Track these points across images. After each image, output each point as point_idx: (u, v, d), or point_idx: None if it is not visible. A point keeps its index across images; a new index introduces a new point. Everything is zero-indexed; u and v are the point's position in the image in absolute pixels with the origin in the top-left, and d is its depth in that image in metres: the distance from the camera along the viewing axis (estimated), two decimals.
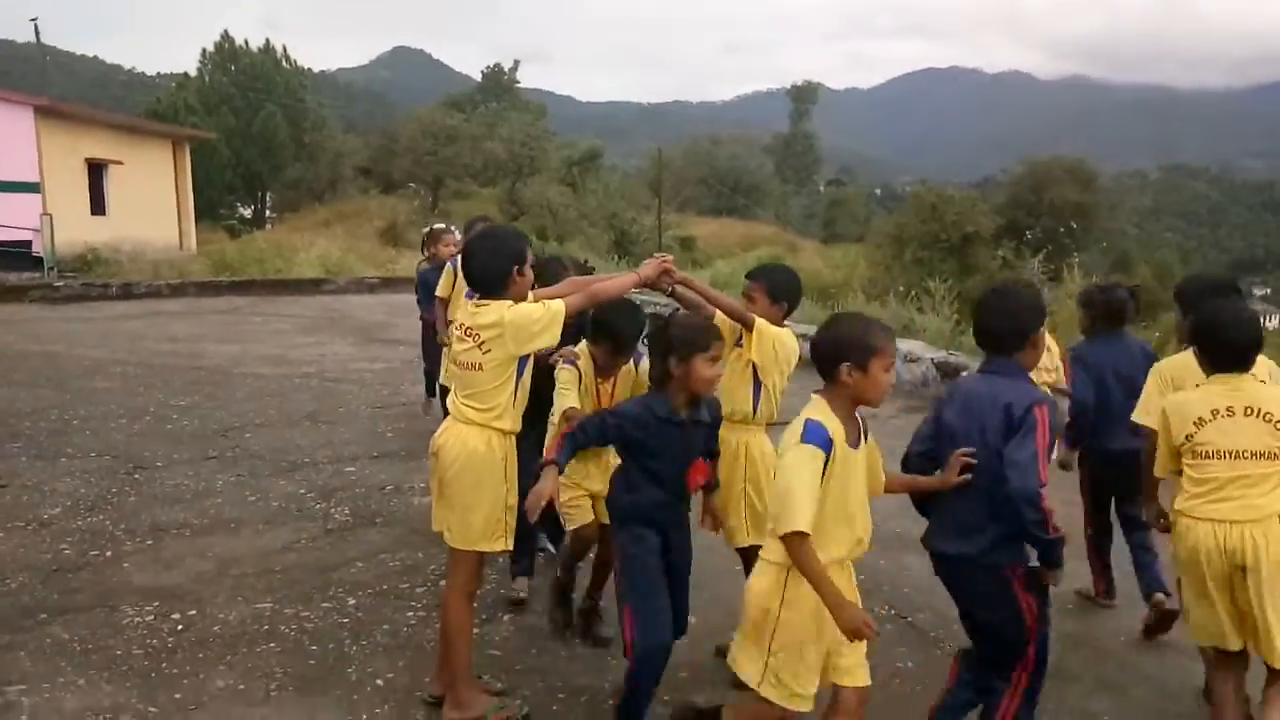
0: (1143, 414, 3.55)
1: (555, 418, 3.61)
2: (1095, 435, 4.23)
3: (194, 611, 4.12)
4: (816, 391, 2.71)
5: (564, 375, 3.64)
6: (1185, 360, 3.41)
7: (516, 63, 59.15)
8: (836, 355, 2.64)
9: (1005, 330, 2.90)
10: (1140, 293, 4.61)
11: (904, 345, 9.93)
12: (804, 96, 76.83)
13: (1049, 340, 3.94)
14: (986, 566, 2.84)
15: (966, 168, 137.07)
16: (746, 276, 3.77)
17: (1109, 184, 60.80)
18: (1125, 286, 4.46)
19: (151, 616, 4.06)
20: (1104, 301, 4.29)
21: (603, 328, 3.62)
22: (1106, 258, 39.89)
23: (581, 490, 3.82)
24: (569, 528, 3.87)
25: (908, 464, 3.10)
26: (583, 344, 3.75)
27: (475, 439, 3.11)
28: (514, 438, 3.21)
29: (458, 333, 3.17)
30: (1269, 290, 66.16)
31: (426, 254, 7.36)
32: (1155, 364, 3.77)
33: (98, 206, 24.61)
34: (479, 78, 59.82)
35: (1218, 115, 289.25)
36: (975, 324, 3.04)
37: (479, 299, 3.13)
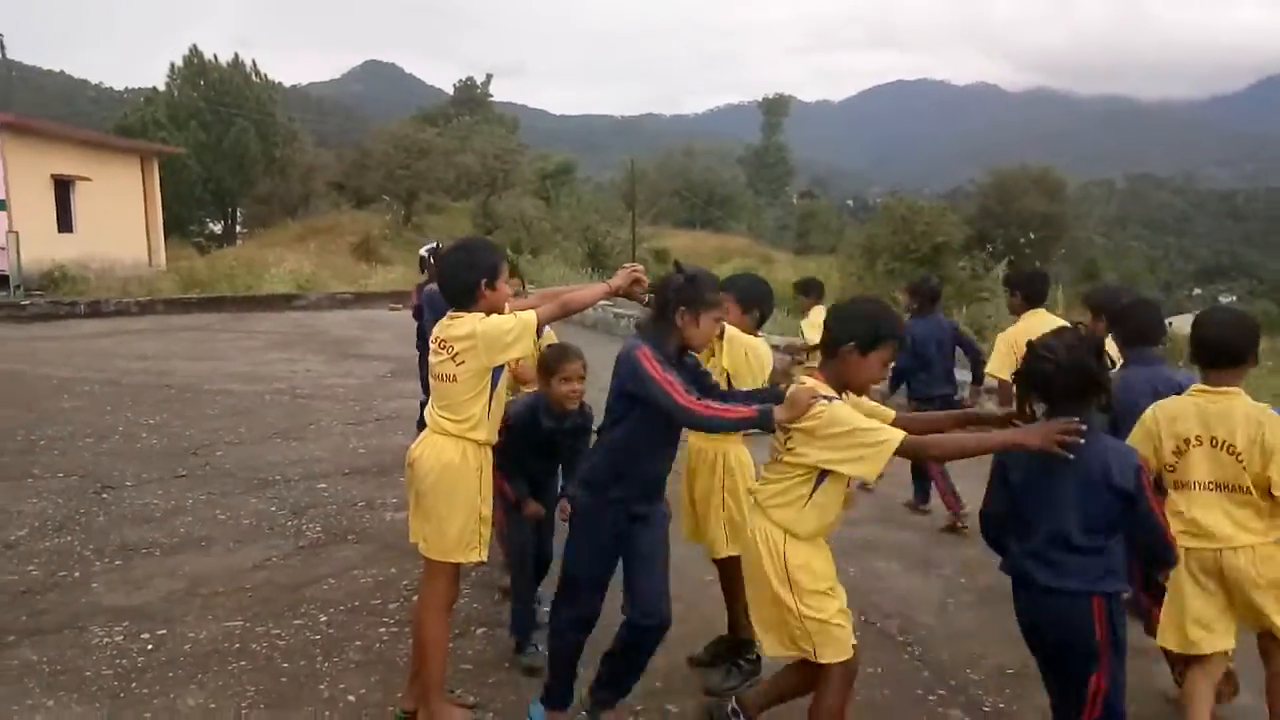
0: (993, 368, 5.43)
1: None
2: (923, 385, 5.96)
3: (164, 631, 4.09)
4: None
5: None
6: (1024, 327, 4.99)
7: (489, 76, 59.21)
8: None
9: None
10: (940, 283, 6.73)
11: None
12: (776, 109, 77.48)
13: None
14: None
15: (936, 178, 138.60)
16: (718, 287, 3.82)
17: (1076, 193, 61.68)
18: (936, 278, 6.75)
19: (121, 636, 4.03)
20: (927, 289, 6.23)
21: None
22: (1073, 266, 40.43)
23: None
24: None
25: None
26: None
27: (451, 450, 3.14)
28: (489, 449, 3.23)
29: (433, 345, 3.20)
30: (1235, 297, 67.29)
31: (427, 274, 7.00)
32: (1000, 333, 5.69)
33: (65, 224, 24.29)
34: (451, 92, 59.82)
35: (1181, 126, 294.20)
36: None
37: (453, 312, 3.17)
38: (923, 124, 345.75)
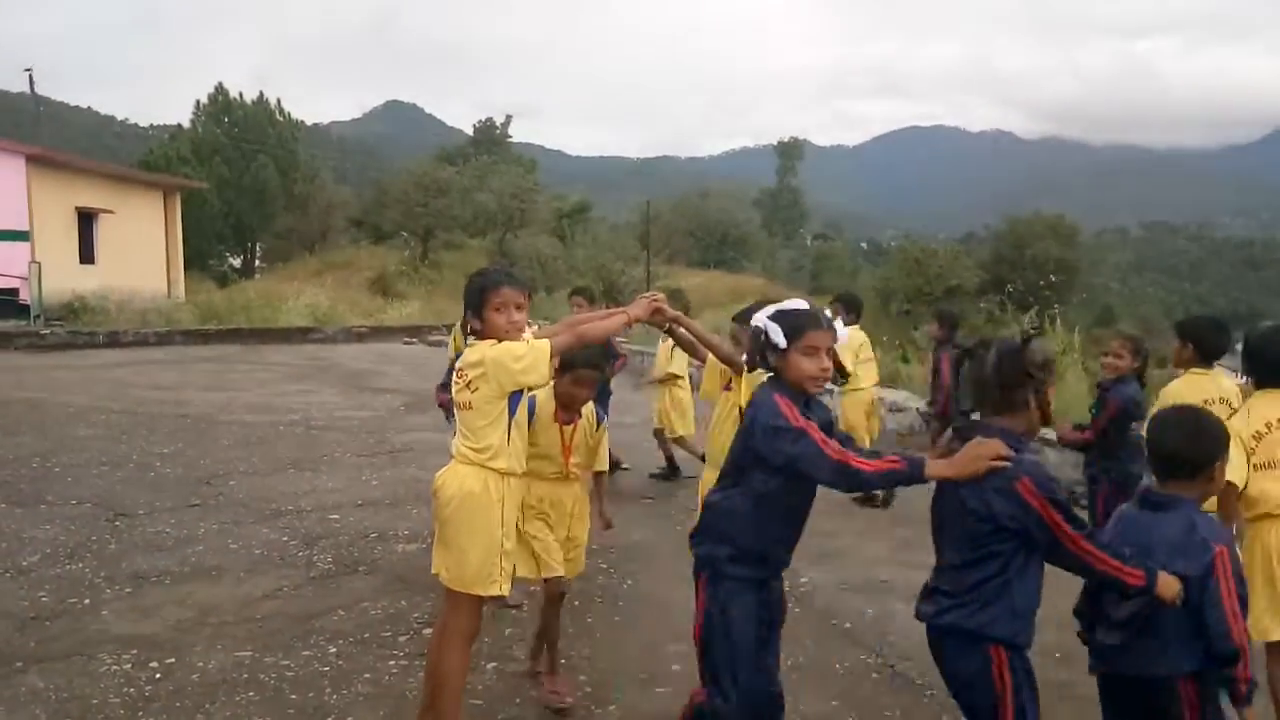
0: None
1: None
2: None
3: (172, 660, 4.06)
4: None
5: None
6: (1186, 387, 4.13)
7: (509, 117, 59.99)
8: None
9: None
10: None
11: (891, 395, 9.99)
12: (790, 153, 78.03)
13: None
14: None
15: (950, 223, 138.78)
16: (733, 319, 3.81)
17: (1090, 240, 61.59)
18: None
19: (129, 665, 4.00)
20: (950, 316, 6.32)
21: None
22: (1090, 311, 40.28)
23: (553, 536, 3.72)
24: (542, 573, 3.69)
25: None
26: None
27: (472, 479, 3.11)
28: (512, 480, 3.18)
29: (455, 374, 3.22)
30: None
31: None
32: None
33: (87, 255, 24.63)
34: (471, 131, 60.59)
35: (1194, 175, 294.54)
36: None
37: (473, 340, 3.18)
38: (937, 169, 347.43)
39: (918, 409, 9.34)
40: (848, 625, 4.68)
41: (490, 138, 57.24)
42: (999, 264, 38.13)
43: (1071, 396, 9.91)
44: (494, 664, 4.09)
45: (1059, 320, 17.22)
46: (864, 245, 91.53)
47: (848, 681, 4.06)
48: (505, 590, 3.21)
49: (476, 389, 3.09)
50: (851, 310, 7.24)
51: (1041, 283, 36.55)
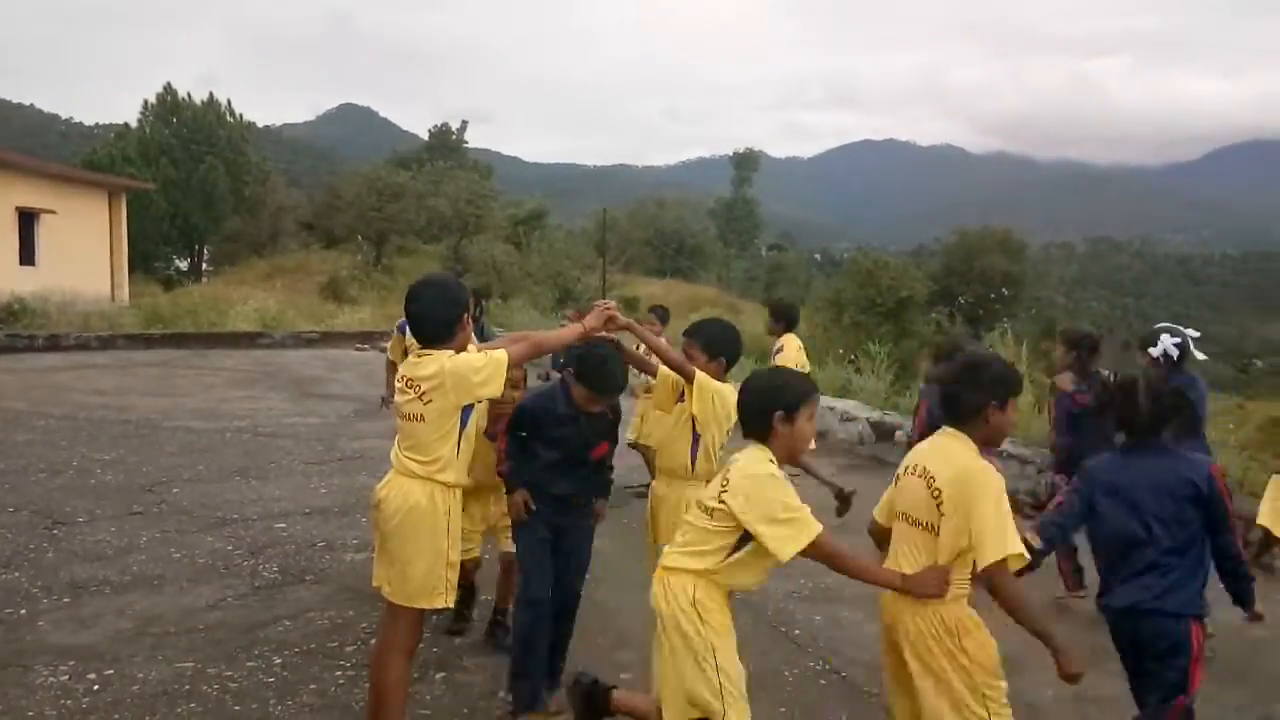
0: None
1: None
2: None
3: (111, 671, 3.97)
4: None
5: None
6: None
7: (465, 123, 59.42)
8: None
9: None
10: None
11: (841, 405, 10.12)
12: (746, 164, 78.56)
13: None
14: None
15: (902, 235, 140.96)
16: (684, 334, 3.83)
17: (1037, 254, 62.83)
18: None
19: (66, 676, 3.91)
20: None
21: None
22: (1036, 324, 41.18)
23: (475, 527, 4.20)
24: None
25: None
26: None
27: (418, 492, 3.07)
28: (458, 492, 3.17)
29: (399, 384, 3.16)
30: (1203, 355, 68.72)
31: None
32: None
33: (27, 256, 23.93)
34: (426, 136, 60.08)
35: (1137, 192, 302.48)
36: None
37: (420, 349, 3.14)
38: (889, 182, 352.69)
39: (868, 418, 9.46)
40: (797, 633, 4.73)
41: (446, 143, 56.81)
42: (949, 276, 38.78)
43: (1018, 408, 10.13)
44: (442, 674, 4.07)
45: (1008, 333, 17.60)
46: (817, 256, 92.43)
47: (796, 688, 4.10)
48: (449, 602, 3.19)
49: (430, 401, 3.04)
50: (781, 319, 7.42)
51: (991, 295, 37.33)
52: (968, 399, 2.75)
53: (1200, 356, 4.98)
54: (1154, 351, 4.92)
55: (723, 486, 2.71)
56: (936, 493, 2.68)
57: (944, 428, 2.82)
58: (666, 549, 2.87)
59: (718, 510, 2.70)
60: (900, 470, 2.89)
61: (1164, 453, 3.04)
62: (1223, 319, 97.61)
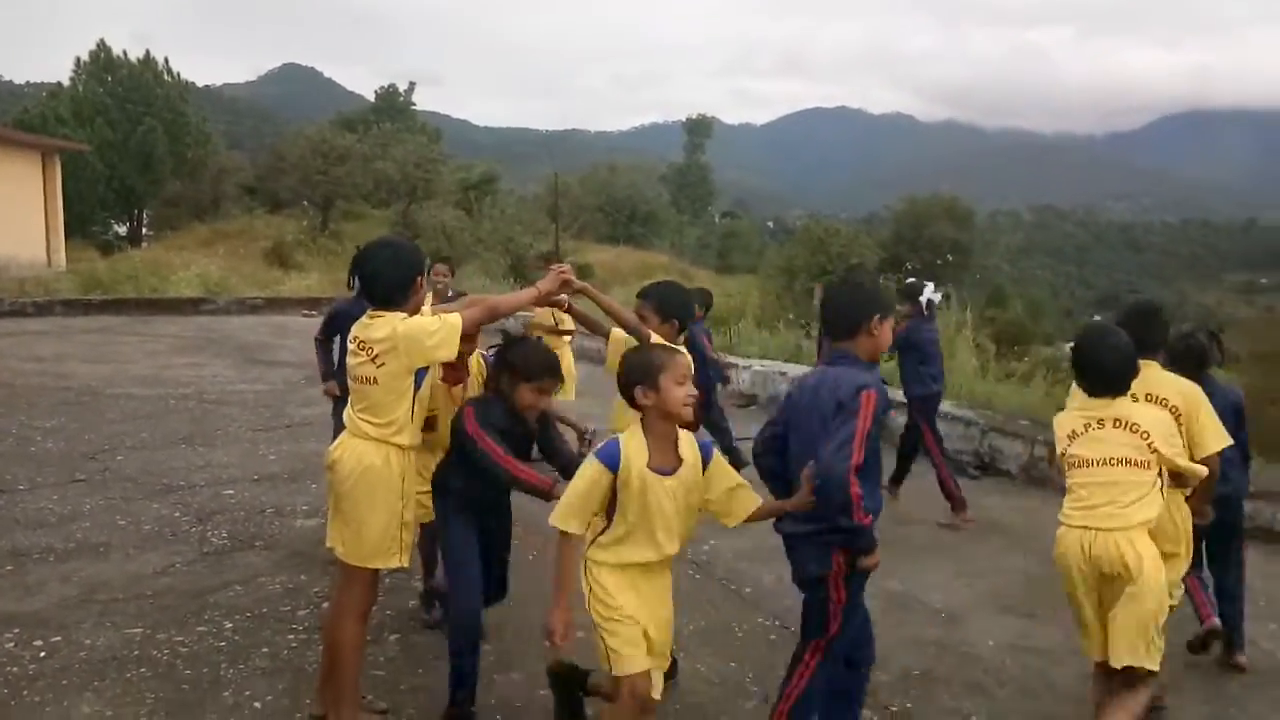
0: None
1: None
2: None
3: (58, 638, 3.92)
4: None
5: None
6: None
7: (412, 84, 58.24)
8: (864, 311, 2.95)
9: (842, 317, 2.99)
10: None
11: (793, 369, 10.26)
12: (699, 130, 78.28)
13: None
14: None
15: (854, 202, 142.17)
16: (637, 296, 3.85)
17: (984, 222, 63.71)
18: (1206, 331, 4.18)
19: (12, 644, 3.85)
20: (1185, 348, 3.92)
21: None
22: (983, 291, 41.93)
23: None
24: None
25: (757, 458, 3.29)
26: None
27: (372, 454, 3.07)
28: (412, 453, 3.17)
29: (351, 346, 3.15)
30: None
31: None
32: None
33: None
34: (372, 98, 58.80)
35: (1082, 161, 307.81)
36: (821, 315, 3.29)
37: (373, 311, 3.12)
38: (841, 150, 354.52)
39: None
40: (747, 590, 4.82)
41: (393, 105, 55.63)
42: (898, 244, 39.29)
43: (961, 372, 10.35)
44: (396, 635, 4.09)
45: (954, 299, 17.91)
46: (770, 224, 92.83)
47: (746, 644, 4.20)
48: (405, 562, 3.21)
49: (383, 364, 3.03)
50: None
51: (939, 262, 37.90)
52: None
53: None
54: (922, 300, 6.30)
55: None
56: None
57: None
58: None
59: None
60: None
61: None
62: (1162, 286, 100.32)
